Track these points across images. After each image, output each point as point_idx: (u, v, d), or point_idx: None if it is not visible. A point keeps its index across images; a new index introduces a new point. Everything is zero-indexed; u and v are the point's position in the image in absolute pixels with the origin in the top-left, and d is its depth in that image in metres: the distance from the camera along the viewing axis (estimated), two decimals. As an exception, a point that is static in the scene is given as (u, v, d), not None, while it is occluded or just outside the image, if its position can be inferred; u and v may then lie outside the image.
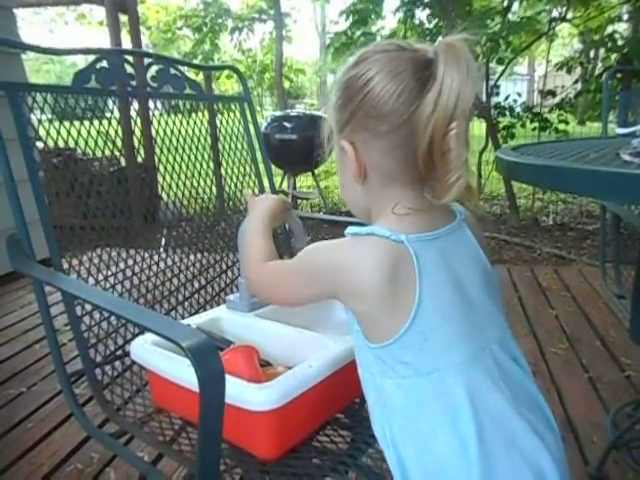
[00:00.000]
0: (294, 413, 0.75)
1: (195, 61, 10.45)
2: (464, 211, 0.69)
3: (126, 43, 4.47)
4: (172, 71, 1.19)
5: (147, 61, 1.18)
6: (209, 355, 0.56)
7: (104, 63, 1.08)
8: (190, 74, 1.28)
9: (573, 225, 4.49)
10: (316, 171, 5.18)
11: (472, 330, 0.62)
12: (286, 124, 4.53)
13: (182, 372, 0.79)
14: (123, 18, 4.41)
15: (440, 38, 0.62)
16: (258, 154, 1.45)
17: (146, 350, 0.89)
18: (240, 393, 0.73)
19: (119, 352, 1.06)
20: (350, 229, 0.64)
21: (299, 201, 5.22)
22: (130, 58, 1.14)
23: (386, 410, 0.63)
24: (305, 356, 0.84)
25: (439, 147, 0.57)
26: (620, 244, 1.49)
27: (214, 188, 1.42)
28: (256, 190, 1.45)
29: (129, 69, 1.12)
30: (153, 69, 1.18)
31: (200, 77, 4.24)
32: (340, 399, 0.89)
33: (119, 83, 1.09)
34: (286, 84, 9.74)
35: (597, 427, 1.56)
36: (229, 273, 1.41)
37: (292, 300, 0.74)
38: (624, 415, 1.62)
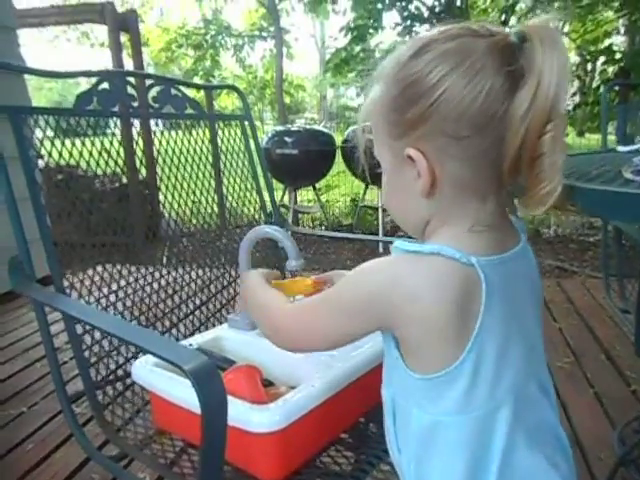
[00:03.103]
0: (297, 434, 0.74)
1: (196, 78, 10.56)
2: (525, 227, 0.61)
3: (127, 62, 4.53)
4: (173, 91, 1.21)
5: (148, 82, 1.19)
6: (211, 378, 0.56)
7: (105, 85, 1.09)
8: (191, 92, 1.29)
9: (575, 237, 4.49)
10: (317, 185, 5.20)
11: (520, 366, 0.57)
12: (287, 139, 4.56)
13: (183, 394, 0.78)
14: (124, 37, 4.47)
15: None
16: (259, 169, 1.46)
17: (147, 371, 0.88)
18: (242, 415, 0.72)
19: (120, 372, 1.05)
20: (402, 244, 0.55)
21: (300, 215, 5.24)
22: (131, 79, 1.15)
23: (417, 442, 0.57)
24: (308, 376, 0.83)
25: (531, 152, 0.49)
26: (623, 257, 1.49)
27: (215, 204, 1.43)
28: (257, 206, 1.45)
29: (130, 90, 1.13)
30: (154, 90, 1.19)
31: (201, 94, 4.28)
32: (344, 419, 0.88)
33: (120, 104, 1.10)
34: (286, 99, 9.83)
35: (604, 443, 1.54)
36: (230, 289, 1.40)
37: (329, 340, 0.60)
38: (631, 430, 1.59)
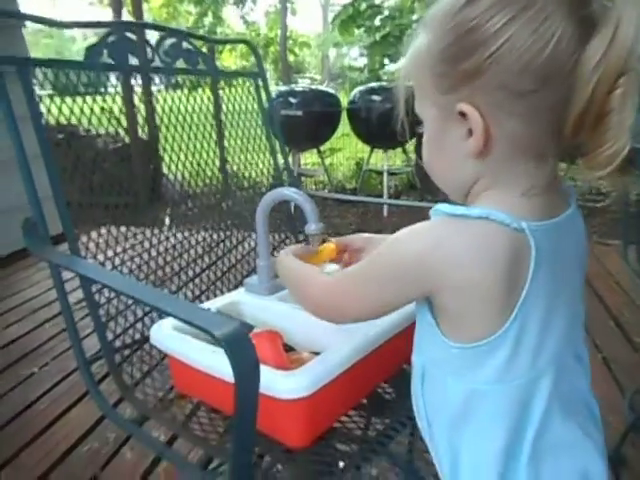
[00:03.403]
0: (324, 400, 0.73)
1: (197, 35, 10.24)
2: (575, 191, 0.57)
3: (128, 19, 4.37)
4: (185, 45, 1.15)
5: (159, 35, 1.13)
6: (244, 345, 0.54)
7: (114, 37, 1.04)
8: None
9: (582, 203, 4.42)
10: (321, 148, 5.11)
11: (562, 334, 0.55)
12: (291, 99, 4.45)
13: (209, 359, 0.77)
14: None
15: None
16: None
17: (167, 335, 0.87)
18: (268, 381, 0.71)
19: (137, 336, 1.04)
20: (446, 207, 0.51)
21: (303, 178, 5.18)
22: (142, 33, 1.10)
23: (450, 411, 0.56)
24: (329, 341, 0.82)
25: (599, 108, 0.45)
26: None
27: (219, 164, 1.39)
28: (264, 169, 1.41)
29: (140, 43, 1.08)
30: (165, 43, 1.13)
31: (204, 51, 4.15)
32: (367, 384, 0.87)
33: (128, 58, 1.05)
34: (290, 58, 9.57)
35: (613, 408, 1.55)
36: (235, 252, 1.38)
37: (369, 311, 0.58)
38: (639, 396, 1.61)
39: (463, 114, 0.50)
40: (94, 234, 1.04)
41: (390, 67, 6.08)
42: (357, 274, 0.58)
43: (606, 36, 0.43)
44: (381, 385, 0.92)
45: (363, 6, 5.62)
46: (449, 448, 0.57)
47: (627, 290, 2.43)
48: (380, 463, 0.76)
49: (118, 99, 1.14)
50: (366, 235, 0.84)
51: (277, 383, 0.71)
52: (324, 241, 0.84)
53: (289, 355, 0.85)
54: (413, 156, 4.86)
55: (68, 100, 1.03)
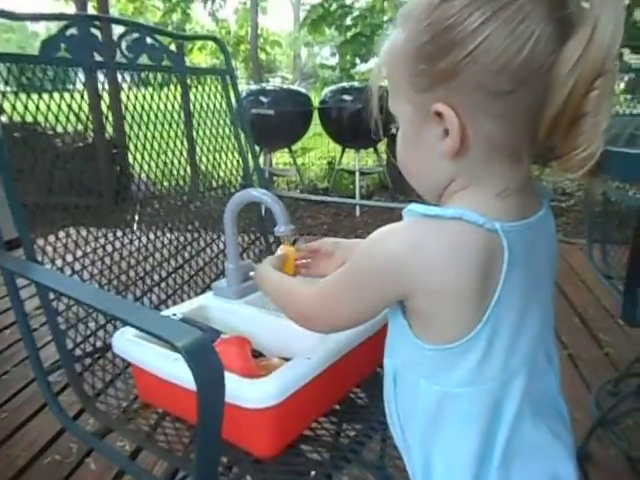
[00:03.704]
0: (293, 408, 0.71)
1: (165, 32, 10.05)
2: (548, 191, 0.57)
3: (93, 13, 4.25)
4: (149, 40, 1.11)
5: (121, 29, 1.09)
6: (207, 355, 0.51)
7: (74, 30, 0.99)
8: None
9: (547, 202, 4.55)
10: (293, 147, 5.09)
11: (534, 336, 0.54)
12: (262, 98, 4.42)
13: (171, 367, 0.74)
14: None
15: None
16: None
17: (130, 343, 0.83)
18: (235, 389, 0.68)
19: (99, 344, 1.00)
20: (419, 208, 0.50)
21: (275, 178, 5.14)
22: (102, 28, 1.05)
23: (422, 414, 0.55)
24: (300, 346, 0.79)
25: (574, 110, 0.44)
26: (607, 224, 1.49)
27: (188, 165, 1.35)
28: (233, 169, 1.38)
29: (101, 37, 1.03)
30: (128, 38, 1.09)
31: (171, 47, 4.07)
32: (338, 390, 0.85)
33: (92, 53, 1.01)
34: (261, 56, 9.49)
35: (579, 404, 1.58)
36: (202, 255, 1.34)
37: (353, 317, 0.58)
38: (605, 393, 1.65)
39: (439, 114, 0.49)
40: (52, 238, 0.99)
41: (361, 66, 6.10)
42: (336, 282, 0.58)
43: (584, 37, 0.42)
44: (353, 390, 0.90)
45: (334, 6, 5.61)
46: (422, 453, 0.56)
47: (592, 288, 2.49)
48: (352, 471, 0.74)
49: (80, 96, 1.09)
50: (334, 240, 0.84)
51: (244, 392, 0.68)
52: (294, 242, 0.83)
53: (258, 361, 0.82)
54: (385, 156, 4.88)
55: (25, 97, 0.97)
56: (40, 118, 1.00)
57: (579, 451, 1.38)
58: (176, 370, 0.72)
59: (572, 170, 0.46)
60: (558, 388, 0.61)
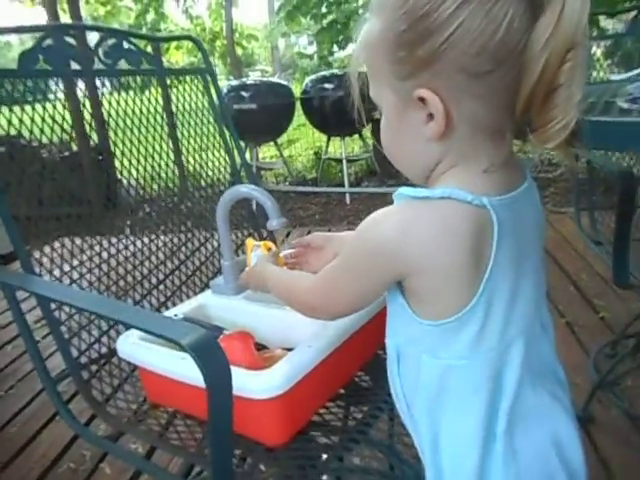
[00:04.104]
0: (299, 396, 0.73)
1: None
2: (530, 164, 0.59)
3: (64, 19, 4.20)
4: (126, 45, 1.11)
5: (98, 36, 1.09)
6: (212, 350, 0.53)
7: (50, 41, 0.99)
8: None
9: (534, 174, 4.55)
10: (279, 140, 5.07)
11: (529, 305, 0.56)
12: (244, 93, 4.40)
13: (179, 367, 0.76)
14: (57, -9, 4.12)
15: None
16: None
17: (134, 346, 0.85)
18: (242, 382, 0.70)
19: (104, 350, 1.01)
20: (408, 191, 0.52)
21: (263, 172, 5.13)
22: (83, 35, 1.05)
23: (427, 389, 0.56)
24: (301, 336, 0.81)
25: (548, 83, 0.45)
26: (593, 191, 1.52)
27: (175, 166, 1.36)
28: (221, 166, 1.39)
29: (78, 46, 1.03)
30: (105, 44, 1.08)
31: (148, 50, 4.03)
32: (343, 375, 0.87)
33: (71, 62, 1.00)
34: (238, 51, 9.41)
35: (578, 369, 1.62)
36: (198, 254, 1.35)
37: (354, 303, 0.60)
38: (603, 355, 1.68)
39: (422, 99, 0.50)
40: (47, 249, 0.99)
41: (339, 53, 6.07)
42: (334, 270, 0.59)
43: (554, 13, 0.44)
44: (357, 374, 0.92)
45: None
46: (429, 427, 0.58)
47: (584, 255, 2.53)
48: (362, 452, 0.77)
49: (61, 105, 1.09)
50: (324, 234, 0.86)
51: (250, 383, 0.70)
52: (288, 234, 0.87)
53: (261, 354, 0.84)
54: (371, 142, 4.88)
55: (5, 110, 0.97)
56: (23, 130, 1.00)
57: (581, 414, 1.41)
58: (183, 369, 0.74)
59: (549, 142, 0.47)
60: (554, 354, 0.63)
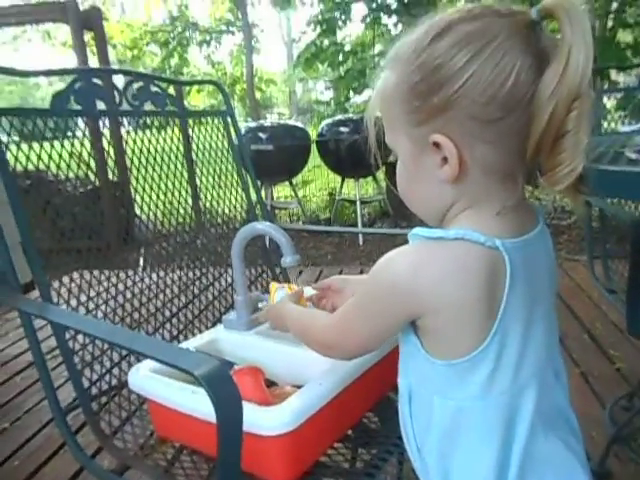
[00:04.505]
0: (308, 434, 0.73)
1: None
2: (542, 209, 0.61)
3: (92, 61, 4.40)
4: (153, 88, 1.16)
5: (126, 79, 1.15)
6: (224, 382, 0.54)
7: (81, 83, 1.04)
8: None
9: (548, 221, 4.55)
10: (293, 181, 5.16)
11: (541, 349, 0.57)
12: (261, 134, 4.51)
13: (189, 400, 0.76)
14: (87, 36, 4.34)
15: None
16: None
17: (145, 378, 0.85)
18: (251, 418, 0.69)
19: (114, 382, 1.01)
20: (423, 231, 0.54)
21: (277, 212, 5.20)
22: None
23: (438, 430, 0.57)
24: (312, 373, 0.81)
25: (556, 130, 0.48)
26: (606, 239, 1.52)
27: (191, 202, 1.39)
28: (237, 204, 1.42)
29: (106, 88, 1.09)
30: (132, 87, 1.14)
31: (170, 92, 4.19)
32: (352, 415, 0.86)
33: (100, 103, 1.06)
34: (257, 95, 9.73)
35: (594, 422, 1.57)
36: (211, 289, 1.37)
37: (368, 342, 0.61)
38: (619, 408, 1.63)
39: (437, 144, 0.52)
40: (66, 279, 1.02)
41: (355, 99, 6.25)
42: (349, 310, 0.61)
43: (559, 65, 0.47)
44: (366, 415, 0.91)
45: (326, 43, 5.79)
46: (440, 470, 0.57)
47: (598, 303, 2.49)
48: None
49: (87, 142, 1.14)
50: (343, 277, 0.89)
51: (259, 419, 0.70)
52: (300, 273, 0.89)
53: (271, 390, 0.84)
54: (384, 184, 4.95)
55: (35, 146, 1.02)
56: (50, 165, 1.05)
57: (598, 469, 1.36)
58: (194, 402, 0.74)
59: (558, 184, 0.50)
60: (567, 402, 0.63)
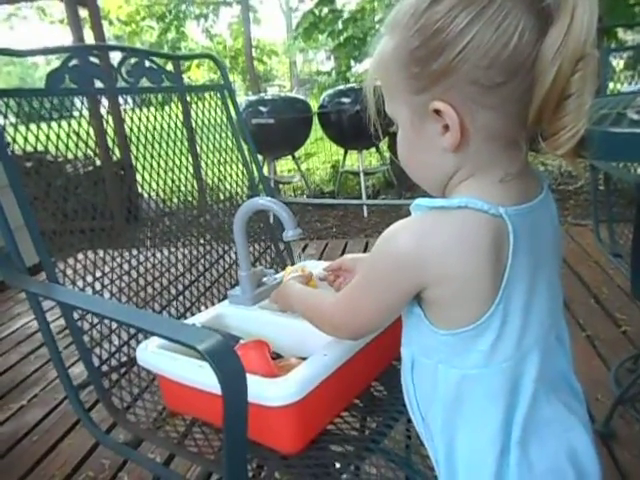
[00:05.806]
0: (314, 404, 0.74)
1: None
2: (546, 175, 0.60)
3: (88, 38, 4.33)
4: (148, 64, 1.15)
5: (121, 55, 1.13)
6: (228, 356, 0.54)
7: (76, 61, 1.03)
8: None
9: (554, 187, 4.53)
10: (296, 154, 5.13)
11: (544, 315, 0.57)
12: (262, 108, 4.46)
13: (196, 374, 0.77)
14: (83, 13, 4.26)
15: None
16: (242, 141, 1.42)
17: (153, 354, 0.87)
18: (257, 389, 0.71)
19: (122, 356, 1.03)
20: (425, 201, 0.53)
21: (281, 186, 5.18)
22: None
23: (443, 399, 0.57)
24: (316, 345, 0.82)
25: (558, 93, 0.47)
26: (611, 203, 1.50)
27: (195, 180, 1.39)
28: (239, 180, 1.42)
29: (102, 65, 1.08)
30: (127, 63, 1.13)
31: (168, 67, 4.13)
32: (357, 384, 0.88)
33: (96, 81, 1.05)
34: (259, 67, 9.57)
35: (600, 384, 1.59)
36: (216, 266, 1.38)
37: (377, 318, 0.60)
38: (625, 370, 1.65)
39: (437, 111, 0.51)
40: (71, 260, 1.03)
41: (357, 68, 6.14)
42: (355, 288, 0.61)
43: (563, 25, 0.45)
44: (372, 384, 0.93)
45: (324, 11, 5.66)
46: (444, 437, 0.58)
47: (605, 268, 2.49)
48: (377, 461, 0.77)
49: (85, 122, 1.13)
50: (352, 256, 0.89)
51: (265, 391, 0.71)
52: (305, 248, 0.91)
53: (277, 363, 0.85)
54: (387, 155, 4.90)
55: (33, 127, 1.02)
56: (49, 146, 1.04)
57: (602, 429, 1.38)
58: (200, 376, 0.75)
59: (560, 149, 0.49)
60: (570, 366, 0.63)
